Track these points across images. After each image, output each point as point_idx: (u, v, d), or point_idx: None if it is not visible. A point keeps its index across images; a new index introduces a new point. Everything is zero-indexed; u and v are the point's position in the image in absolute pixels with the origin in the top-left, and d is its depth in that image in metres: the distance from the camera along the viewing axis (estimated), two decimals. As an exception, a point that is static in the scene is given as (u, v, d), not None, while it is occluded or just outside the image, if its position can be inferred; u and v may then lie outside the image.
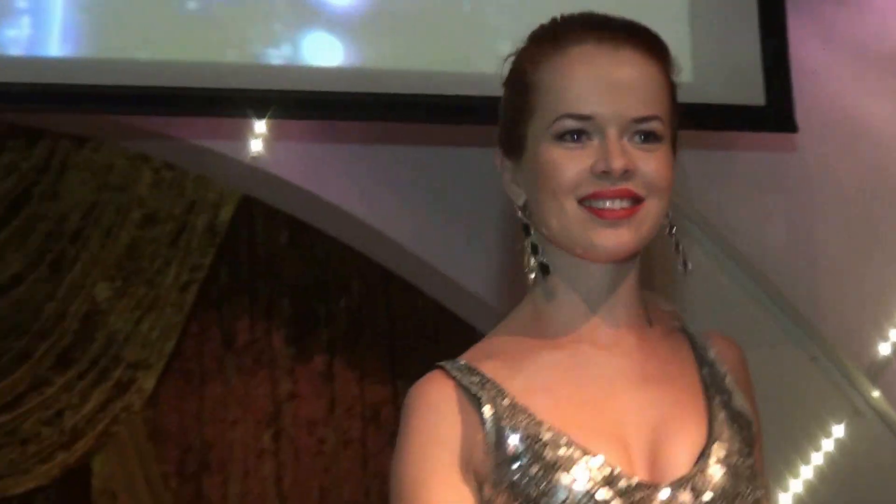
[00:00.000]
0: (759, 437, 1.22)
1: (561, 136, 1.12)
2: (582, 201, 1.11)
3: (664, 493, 1.10)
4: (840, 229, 3.18)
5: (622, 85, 1.12)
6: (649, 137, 1.12)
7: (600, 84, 1.12)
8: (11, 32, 2.71)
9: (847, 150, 3.14)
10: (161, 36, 2.75)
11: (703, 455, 1.13)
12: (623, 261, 1.14)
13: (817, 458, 3.14)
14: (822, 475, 3.13)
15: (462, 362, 1.15)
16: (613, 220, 1.10)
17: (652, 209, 1.12)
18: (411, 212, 3.50)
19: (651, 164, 1.11)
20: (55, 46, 2.73)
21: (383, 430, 3.70)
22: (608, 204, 1.10)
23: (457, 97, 2.66)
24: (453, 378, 1.13)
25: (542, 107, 1.13)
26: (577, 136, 1.11)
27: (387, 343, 3.84)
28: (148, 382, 3.51)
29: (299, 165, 3.40)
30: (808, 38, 3.01)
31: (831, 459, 3.13)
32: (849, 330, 3.19)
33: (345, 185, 3.48)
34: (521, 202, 1.18)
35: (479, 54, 2.77)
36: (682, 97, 1.20)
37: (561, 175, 1.11)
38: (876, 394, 3.13)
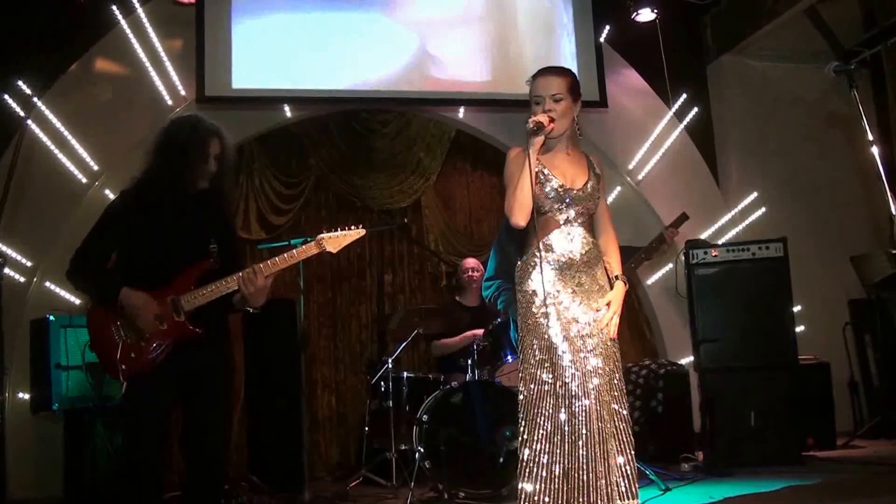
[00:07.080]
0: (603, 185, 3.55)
1: (534, 101, 3.41)
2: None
3: (575, 191, 3.41)
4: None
5: (549, 85, 3.40)
6: (557, 98, 3.39)
7: (543, 85, 3.41)
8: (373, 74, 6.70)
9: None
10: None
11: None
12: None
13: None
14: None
15: (525, 147, 3.32)
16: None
17: (559, 118, 3.38)
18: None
19: (558, 107, 3.39)
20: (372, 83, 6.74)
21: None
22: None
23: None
24: (521, 147, 3.38)
25: (533, 92, 3.42)
26: (538, 101, 3.41)
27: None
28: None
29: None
30: None
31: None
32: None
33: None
34: (532, 117, 3.34)
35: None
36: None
37: (536, 111, 3.38)
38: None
